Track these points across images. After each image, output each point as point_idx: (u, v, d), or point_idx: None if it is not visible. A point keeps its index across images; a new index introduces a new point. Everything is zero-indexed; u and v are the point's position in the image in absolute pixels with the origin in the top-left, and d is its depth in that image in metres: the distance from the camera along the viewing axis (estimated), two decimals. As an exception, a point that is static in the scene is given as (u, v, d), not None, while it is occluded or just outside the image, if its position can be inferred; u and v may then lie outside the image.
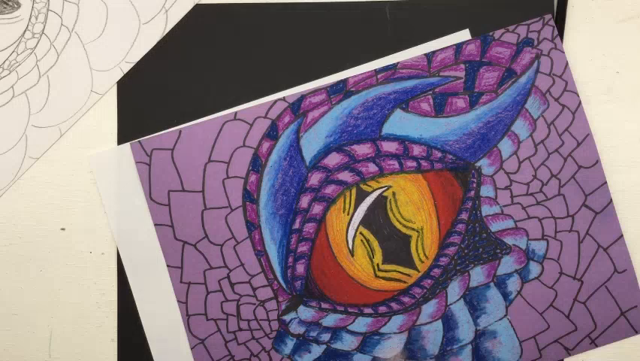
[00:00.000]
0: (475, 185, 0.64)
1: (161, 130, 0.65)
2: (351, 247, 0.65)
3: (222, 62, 0.66)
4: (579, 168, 0.64)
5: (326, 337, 0.65)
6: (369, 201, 0.64)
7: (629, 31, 0.66)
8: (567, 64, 0.64)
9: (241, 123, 0.64)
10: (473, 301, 0.65)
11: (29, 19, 0.65)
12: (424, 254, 0.65)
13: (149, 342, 0.66)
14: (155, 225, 0.63)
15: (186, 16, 0.66)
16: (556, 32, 0.64)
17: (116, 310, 0.66)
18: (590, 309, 0.65)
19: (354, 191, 0.64)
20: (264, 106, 0.64)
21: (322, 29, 0.66)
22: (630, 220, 0.66)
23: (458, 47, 0.64)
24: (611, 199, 0.65)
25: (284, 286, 0.65)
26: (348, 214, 0.64)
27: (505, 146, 0.64)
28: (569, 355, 0.66)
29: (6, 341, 0.67)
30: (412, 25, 0.66)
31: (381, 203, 0.64)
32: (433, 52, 0.64)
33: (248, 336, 0.65)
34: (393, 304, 0.65)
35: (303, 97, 0.64)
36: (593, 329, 0.65)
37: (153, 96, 0.66)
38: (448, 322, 0.65)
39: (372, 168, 0.64)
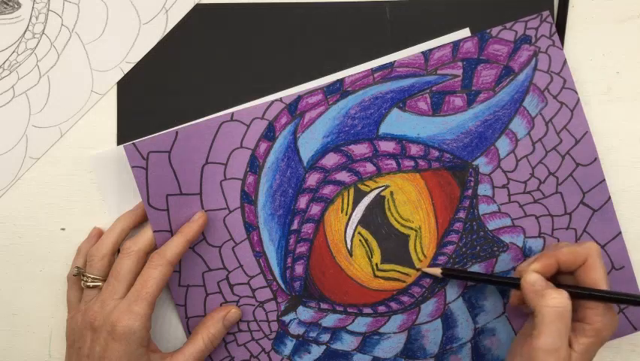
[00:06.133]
0: (472, 183, 0.64)
1: (161, 130, 0.65)
2: (349, 247, 0.64)
3: (221, 63, 0.66)
4: (577, 165, 0.64)
5: (326, 337, 0.65)
6: (367, 201, 0.64)
7: (629, 31, 0.66)
8: (565, 61, 0.64)
9: (238, 124, 0.63)
10: (472, 299, 0.65)
11: (30, 19, 0.66)
12: (423, 253, 0.64)
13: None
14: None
15: (186, 16, 0.66)
16: (554, 29, 0.64)
17: (115, 310, 0.66)
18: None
19: (351, 191, 0.64)
20: (260, 107, 0.64)
21: (322, 30, 0.66)
22: (630, 220, 0.65)
23: (455, 45, 0.64)
24: (610, 197, 0.64)
25: (283, 286, 0.65)
26: (346, 214, 0.64)
27: (503, 144, 0.64)
28: (568, 353, 0.65)
29: (6, 341, 0.67)
30: (413, 24, 0.66)
31: (379, 203, 0.64)
32: (430, 50, 0.64)
33: (248, 337, 0.65)
34: (393, 304, 0.65)
35: (299, 97, 0.64)
36: (591, 327, 0.65)
37: (153, 96, 0.66)
38: (447, 320, 0.65)
39: (369, 167, 0.64)
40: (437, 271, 0.63)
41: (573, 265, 0.57)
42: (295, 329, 0.65)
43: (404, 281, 0.65)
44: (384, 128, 0.64)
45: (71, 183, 0.67)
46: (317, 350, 0.65)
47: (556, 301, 0.54)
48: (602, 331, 0.55)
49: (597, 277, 0.55)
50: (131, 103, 0.66)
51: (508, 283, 0.60)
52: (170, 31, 0.66)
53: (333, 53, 0.66)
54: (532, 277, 0.56)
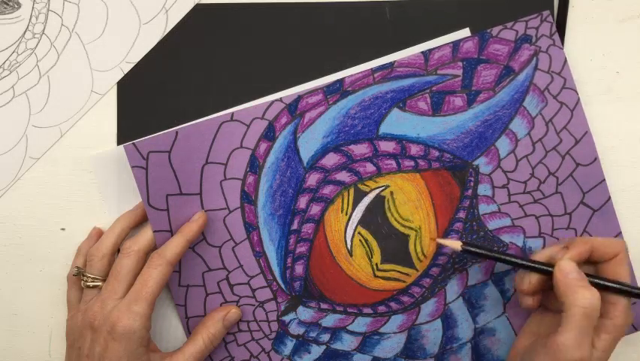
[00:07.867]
0: (472, 183, 0.64)
1: (161, 130, 0.65)
2: (349, 247, 0.64)
3: (221, 63, 0.66)
4: (577, 165, 0.64)
5: (325, 337, 0.65)
6: (367, 201, 0.64)
7: (629, 31, 0.66)
8: (566, 60, 0.64)
9: (238, 124, 0.63)
10: (472, 299, 0.65)
11: (30, 19, 0.66)
12: (423, 253, 0.64)
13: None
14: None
15: (186, 16, 0.66)
16: (554, 28, 0.64)
17: (115, 310, 0.66)
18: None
19: (351, 191, 0.64)
20: (260, 107, 0.64)
21: (322, 30, 0.66)
22: (630, 220, 0.65)
23: (455, 45, 0.64)
24: (610, 197, 0.64)
25: (283, 286, 0.65)
26: (346, 214, 0.64)
27: (503, 144, 0.64)
28: (568, 353, 0.65)
29: (6, 341, 0.67)
30: (413, 24, 0.66)
31: (379, 203, 0.64)
32: (430, 50, 0.64)
33: (248, 337, 0.65)
34: (393, 304, 0.65)
35: (299, 97, 0.63)
36: (591, 327, 0.65)
37: (153, 96, 0.66)
38: (447, 320, 0.65)
39: (369, 167, 0.64)
40: (457, 244, 0.61)
41: (603, 257, 0.57)
42: (295, 329, 0.65)
43: (404, 281, 0.65)
44: (384, 128, 0.64)
45: (71, 183, 0.67)
46: (317, 350, 0.65)
47: (587, 301, 0.53)
48: (622, 327, 0.55)
49: (623, 273, 0.56)
50: (131, 103, 0.66)
51: (537, 269, 0.57)
52: (170, 31, 0.66)
53: (333, 53, 0.66)
54: (568, 266, 0.55)
